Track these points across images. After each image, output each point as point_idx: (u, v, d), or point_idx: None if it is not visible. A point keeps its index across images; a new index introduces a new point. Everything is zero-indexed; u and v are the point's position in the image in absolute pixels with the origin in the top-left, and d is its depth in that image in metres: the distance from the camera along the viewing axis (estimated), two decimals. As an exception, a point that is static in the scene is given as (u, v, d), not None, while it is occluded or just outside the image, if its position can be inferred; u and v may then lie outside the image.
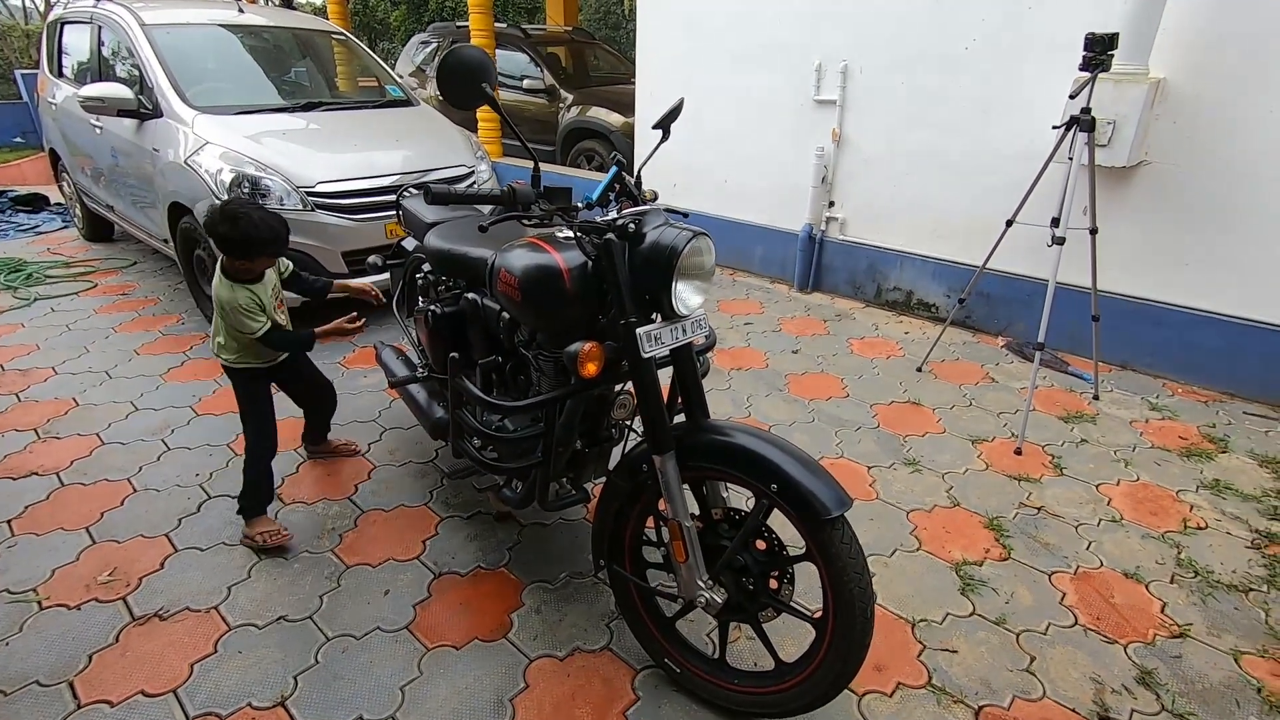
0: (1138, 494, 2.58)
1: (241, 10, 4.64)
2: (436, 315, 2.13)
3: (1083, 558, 2.24)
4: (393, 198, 3.70)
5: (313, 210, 3.56)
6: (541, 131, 7.37)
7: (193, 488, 2.51)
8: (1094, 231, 2.94)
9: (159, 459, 2.68)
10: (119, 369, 3.40)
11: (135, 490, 2.49)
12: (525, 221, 1.50)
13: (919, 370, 3.53)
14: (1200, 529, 2.39)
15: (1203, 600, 2.07)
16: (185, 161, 3.58)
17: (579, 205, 1.58)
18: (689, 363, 1.62)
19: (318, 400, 2.54)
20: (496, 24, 6.76)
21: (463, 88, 1.42)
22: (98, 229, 5.52)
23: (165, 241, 4.12)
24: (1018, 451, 2.81)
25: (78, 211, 5.60)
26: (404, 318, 2.79)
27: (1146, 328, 3.47)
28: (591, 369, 1.51)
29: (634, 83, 5.55)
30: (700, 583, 1.54)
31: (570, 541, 2.28)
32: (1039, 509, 2.48)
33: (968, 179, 3.87)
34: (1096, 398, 3.27)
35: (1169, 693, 1.77)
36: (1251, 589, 2.12)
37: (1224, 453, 2.84)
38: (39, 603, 1.98)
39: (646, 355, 1.47)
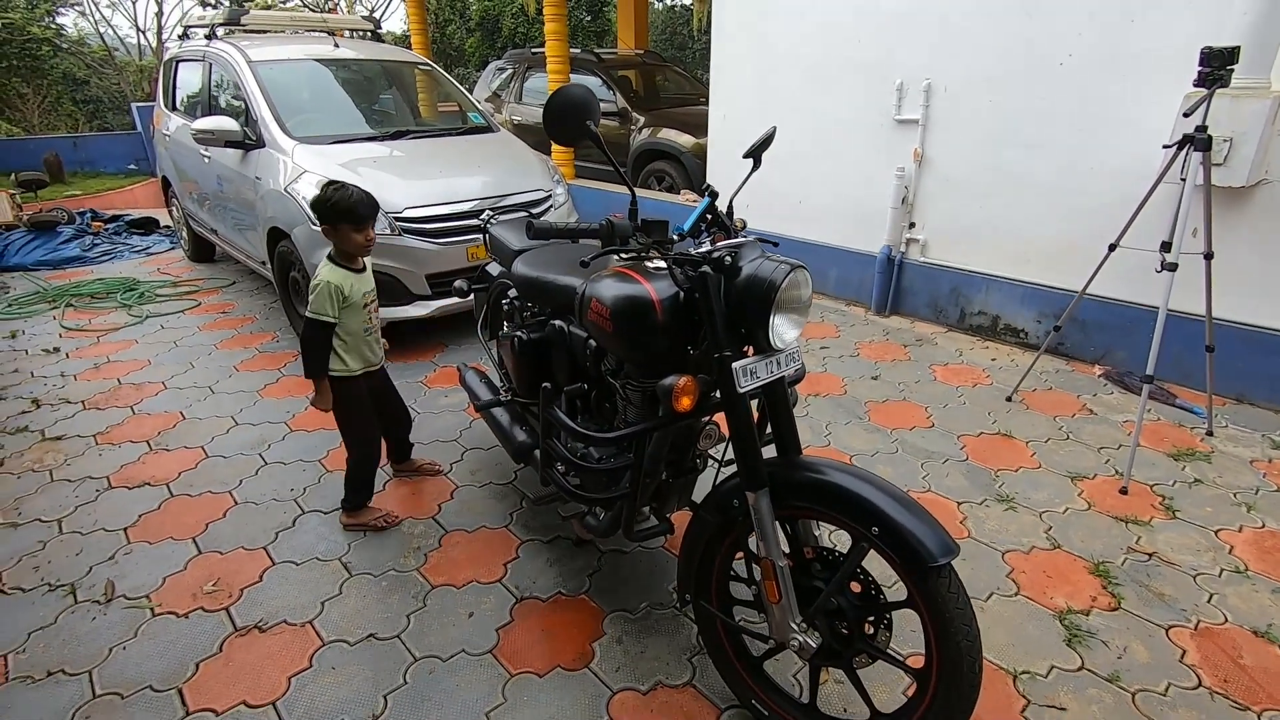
0: (1264, 542, 2.37)
1: (337, 45, 4.91)
2: (523, 341, 2.16)
3: (1204, 611, 2.07)
4: (474, 221, 3.80)
5: (400, 235, 3.70)
6: (613, 153, 7.46)
7: (288, 502, 2.62)
8: (1209, 256, 2.74)
9: (257, 473, 2.81)
10: (220, 384, 3.61)
11: (236, 503, 2.62)
12: (622, 254, 1.51)
13: (1009, 400, 3.37)
14: (1340, 585, 2.17)
15: (1348, 666, 1.87)
16: (285, 189, 3.79)
17: (674, 238, 1.57)
18: (782, 397, 1.59)
19: (391, 420, 2.63)
20: (570, 49, 6.92)
21: (568, 125, 1.44)
22: (201, 250, 5.90)
23: (263, 264, 4.37)
24: (1123, 491, 2.63)
25: (184, 234, 6.01)
26: (487, 340, 2.85)
27: (1266, 358, 3.21)
28: (686, 404, 1.49)
29: (704, 104, 5.57)
30: (793, 625, 1.49)
31: (650, 570, 2.26)
32: (1150, 555, 2.31)
33: (1060, 199, 3.69)
34: (1210, 434, 3.04)
35: (1314, 770, 1.60)
36: (1406, 656, 1.90)
37: (1364, 499, 2.59)
38: (151, 610, 2.09)
39: (742, 390, 1.44)
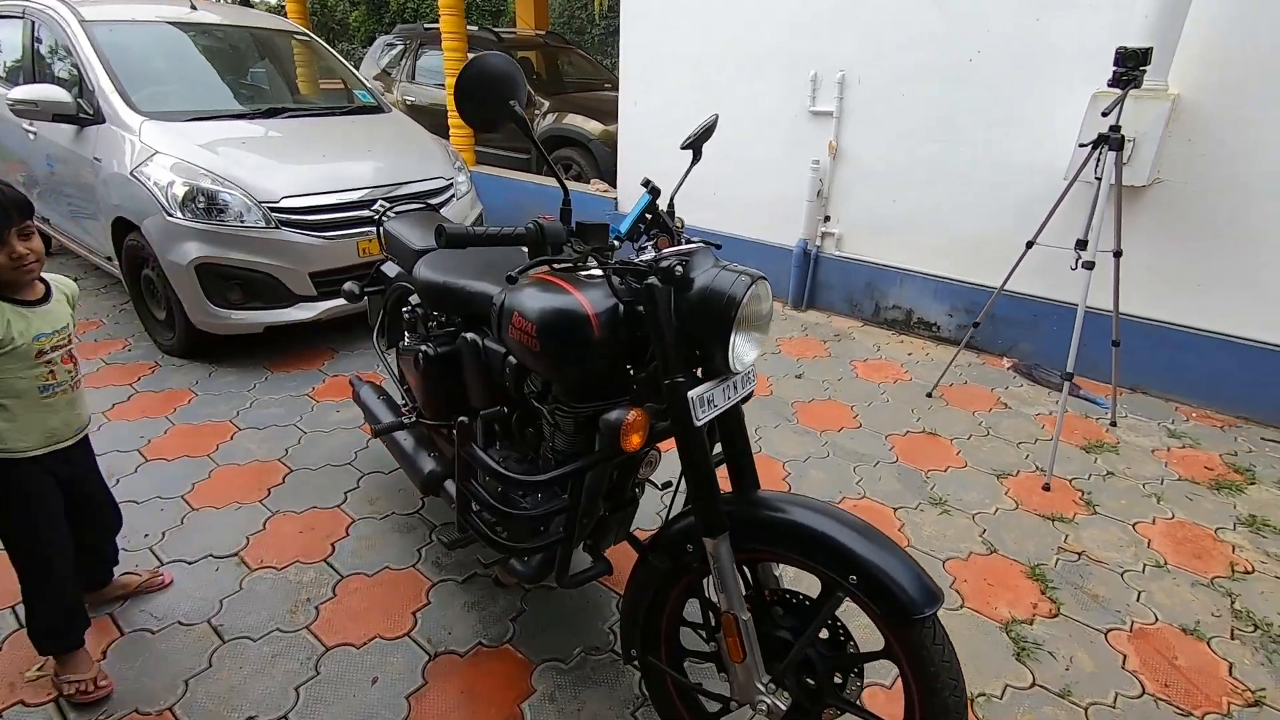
0: (1176, 534, 2.44)
1: (194, 7, 4.27)
2: (429, 357, 1.86)
3: (1135, 611, 2.08)
4: (365, 213, 3.39)
5: (277, 227, 3.23)
6: (515, 139, 7.09)
7: (141, 552, 2.18)
8: (1118, 254, 2.81)
9: (101, 516, 2.34)
10: (55, 405, 3.03)
11: (73, 556, 2.15)
12: (555, 265, 1.26)
13: (929, 396, 3.37)
14: (1248, 573, 2.26)
15: (1269, 659, 1.93)
16: (131, 173, 3.22)
17: (614, 244, 1.34)
18: (738, 423, 1.40)
19: (87, 520, 1.79)
20: (467, 27, 6.47)
21: (486, 105, 1.16)
22: (32, 242, 5.05)
23: (109, 259, 3.75)
24: (1046, 487, 2.66)
25: (10, 223, 5.12)
26: (384, 350, 2.51)
27: (1159, 350, 3.37)
28: (636, 442, 1.27)
29: (610, 89, 5.34)
30: (759, 685, 1.31)
31: (581, 607, 2.03)
32: (1080, 554, 2.32)
33: (971, 194, 3.74)
34: (1114, 424, 3.15)
35: (1258, 775, 1.61)
36: (1315, 643, 1.98)
37: (1253, 484, 2.74)
38: (-49, 710, 1.65)
39: (699, 423, 1.24)
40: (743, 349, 1.27)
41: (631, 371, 1.41)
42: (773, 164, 4.42)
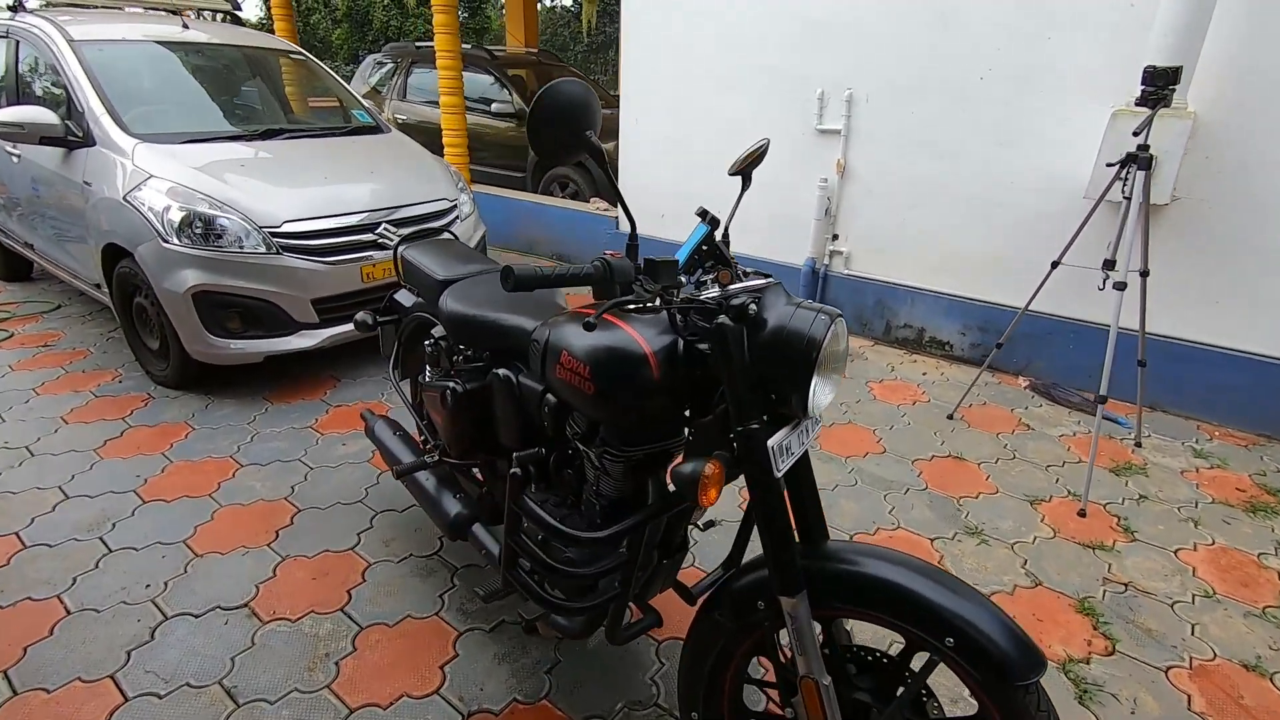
0: (1219, 560, 2.38)
1: (186, 26, 4.16)
2: (458, 395, 1.75)
3: (1192, 646, 2.01)
4: (368, 237, 3.30)
5: (278, 252, 3.11)
6: (511, 157, 7.02)
7: (143, 604, 2.04)
8: (1145, 274, 2.78)
9: (97, 565, 2.19)
10: (42, 443, 2.87)
11: (69, 612, 2.00)
12: (627, 307, 1.17)
13: (950, 418, 3.31)
14: (1299, 602, 2.20)
15: (1336, 695, 1.86)
16: (124, 198, 3.09)
17: (682, 281, 1.25)
18: (806, 471, 1.31)
19: None
20: (462, 45, 6.40)
21: (561, 137, 1.07)
22: (13, 267, 4.87)
23: (97, 286, 3.60)
24: (1081, 513, 2.59)
25: (-11, 248, 4.95)
26: (399, 380, 2.39)
27: (1177, 367, 3.34)
28: (714, 496, 1.17)
29: (605, 107, 5.27)
30: (843, 756, 1.22)
31: (620, 658, 1.92)
32: (1126, 585, 2.25)
33: (981, 212, 3.71)
34: (1139, 445, 3.10)
35: (1346, 826, 1.53)
36: (1379, 677, 1.92)
37: (1287, 506, 2.69)
38: (-61, 794, 1.50)
39: (780, 472, 1.15)
40: (821, 392, 1.18)
41: (689, 414, 1.32)
42: (780, 183, 4.36)
